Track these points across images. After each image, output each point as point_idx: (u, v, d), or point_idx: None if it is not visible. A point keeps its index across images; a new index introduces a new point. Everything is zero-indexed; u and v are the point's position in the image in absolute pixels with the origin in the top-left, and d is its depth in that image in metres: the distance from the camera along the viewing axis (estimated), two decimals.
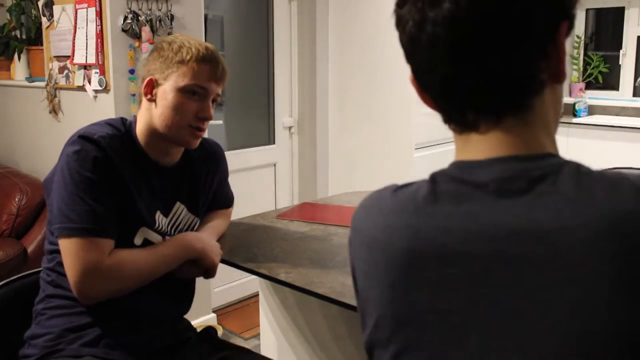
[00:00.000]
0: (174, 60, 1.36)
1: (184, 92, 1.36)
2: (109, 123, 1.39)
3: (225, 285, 3.23)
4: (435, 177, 0.68)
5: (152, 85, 1.39)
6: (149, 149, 1.41)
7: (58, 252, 1.32)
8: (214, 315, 3.02)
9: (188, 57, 1.35)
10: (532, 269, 0.58)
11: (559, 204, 0.59)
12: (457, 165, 0.67)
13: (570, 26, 0.66)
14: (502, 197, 0.61)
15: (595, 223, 0.57)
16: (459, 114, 0.67)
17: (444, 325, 0.63)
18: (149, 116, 1.40)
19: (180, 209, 1.49)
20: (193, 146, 1.43)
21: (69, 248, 1.28)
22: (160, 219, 1.44)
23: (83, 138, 1.30)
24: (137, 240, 1.38)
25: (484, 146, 0.66)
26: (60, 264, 1.32)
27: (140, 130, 1.41)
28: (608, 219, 0.57)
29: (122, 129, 1.39)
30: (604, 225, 0.56)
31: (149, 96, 1.39)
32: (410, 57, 0.69)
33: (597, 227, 0.56)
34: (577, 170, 0.62)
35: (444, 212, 0.64)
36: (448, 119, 0.69)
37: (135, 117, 1.44)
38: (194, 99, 1.37)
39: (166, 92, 1.37)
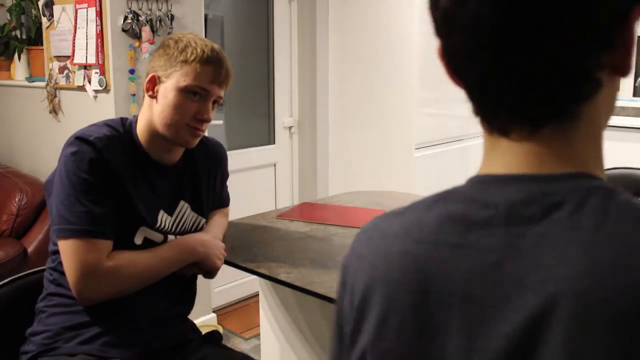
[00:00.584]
0: (178, 59, 1.35)
1: (184, 92, 1.35)
2: (107, 124, 1.38)
3: (226, 285, 3.23)
4: (446, 196, 0.59)
5: (154, 82, 1.39)
6: (150, 148, 1.41)
7: (59, 252, 1.32)
8: (214, 315, 3.02)
9: (192, 57, 1.35)
10: (528, 321, 0.48)
11: (571, 245, 0.48)
12: (473, 181, 0.57)
13: None
14: (510, 225, 0.52)
15: (603, 276, 0.46)
16: (492, 112, 0.56)
17: None
18: (150, 113, 1.40)
19: (184, 207, 1.49)
20: (191, 145, 1.42)
21: (67, 250, 1.28)
22: (165, 218, 1.43)
23: (79, 139, 1.31)
24: (137, 240, 1.38)
25: (510, 157, 0.55)
26: (62, 264, 1.32)
27: (141, 128, 1.41)
28: (624, 289, 0.45)
29: (121, 129, 1.39)
30: (613, 295, 0.45)
31: (150, 92, 1.39)
32: (443, 36, 0.57)
33: (605, 283, 0.46)
34: (609, 199, 0.50)
35: (450, 241, 0.55)
36: (478, 112, 0.58)
37: (136, 116, 1.44)
38: (194, 100, 1.36)
39: (167, 90, 1.36)
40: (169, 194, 1.45)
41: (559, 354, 0.46)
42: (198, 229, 1.54)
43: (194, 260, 1.44)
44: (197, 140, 1.43)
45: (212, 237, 1.51)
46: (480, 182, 0.57)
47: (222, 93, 1.41)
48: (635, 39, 0.54)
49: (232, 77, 1.42)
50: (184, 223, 1.49)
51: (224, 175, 1.64)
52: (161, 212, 1.43)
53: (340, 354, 0.66)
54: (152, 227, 1.40)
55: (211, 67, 1.36)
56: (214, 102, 1.41)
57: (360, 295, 0.60)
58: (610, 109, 0.58)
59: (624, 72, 0.54)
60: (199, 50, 1.35)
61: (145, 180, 1.40)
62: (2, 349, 1.41)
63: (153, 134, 1.40)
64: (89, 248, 1.27)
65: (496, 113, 0.56)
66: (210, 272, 1.48)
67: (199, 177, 1.53)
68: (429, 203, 0.59)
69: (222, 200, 1.67)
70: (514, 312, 0.49)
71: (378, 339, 0.58)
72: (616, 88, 0.57)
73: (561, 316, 0.47)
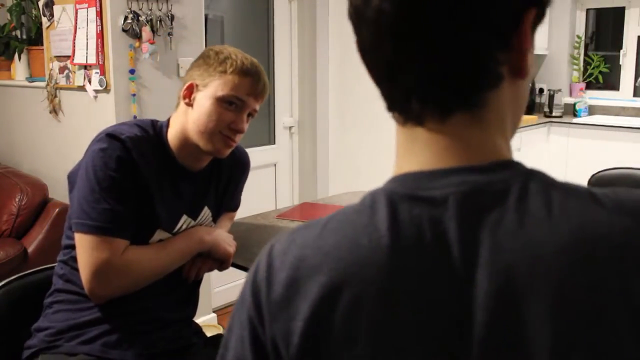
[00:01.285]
0: (218, 69, 1.36)
1: (221, 101, 1.36)
2: (137, 124, 1.39)
3: (226, 285, 3.24)
4: (374, 199, 0.57)
5: (191, 90, 1.39)
6: (180, 153, 1.41)
7: (74, 247, 1.33)
8: (214, 315, 3.02)
9: (231, 69, 1.36)
10: (510, 307, 0.51)
11: (526, 225, 0.51)
12: (404, 179, 0.57)
13: (540, 15, 0.57)
14: (465, 216, 0.53)
15: (570, 248, 0.50)
16: (404, 101, 0.58)
17: None
18: (184, 120, 1.40)
19: (207, 214, 1.49)
20: (223, 155, 1.42)
21: (83, 244, 1.29)
22: (188, 223, 1.44)
23: (110, 136, 1.31)
24: (153, 242, 1.39)
25: (431, 149, 0.57)
26: (74, 258, 1.33)
27: (173, 133, 1.41)
28: (583, 242, 0.50)
29: (151, 131, 1.39)
30: (579, 250, 0.50)
31: (187, 100, 1.39)
32: (356, 31, 0.59)
33: (573, 253, 0.50)
34: (544, 181, 0.54)
35: (407, 243, 0.54)
36: (392, 106, 0.61)
37: (167, 120, 1.44)
38: (230, 110, 1.37)
39: (204, 98, 1.37)
40: (193, 199, 1.46)
41: (521, 326, 0.50)
42: None
43: (203, 249, 1.44)
44: (229, 150, 1.42)
45: (217, 229, 1.52)
46: (412, 179, 0.56)
47: (257, 106, 1.42)
48: (532, 42, 0.57)
49: (267, 90, 1.43)
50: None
51: (244, 182, 1.64)
52: (184, 217, 1.43)
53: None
54: (170, 231, 1.40)
55: (249, 79, 1.37)
56: (249, 114, 1.41)
57: (314, 312, 0.56)
58: (516, 110, 0.60)
59: (521, 74, 0.57)
60: (238, 62, 1.37)
61: (171, 184, 1.40)
62: (9, 342, 1.42)
63: (185, 141, 1.40)
64: (105, 246, 1.28)
65: (408, 102, 0.58)
66: (224, 262, 1.47)
67: (224, 183, 1.53)
68: (360, 209, 0.57)
69: (233, 204, 1.67)
70: (485, 302, 0.51)
71: (349, 352, 0.55)
72: (520, 90, 0.59)
73: (542, 293, 0.50)
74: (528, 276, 0.51)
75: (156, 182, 1.35)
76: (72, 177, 1.38)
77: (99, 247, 1.28)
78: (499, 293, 0.51)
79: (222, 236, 1.47)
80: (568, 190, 0.54)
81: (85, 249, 1.29)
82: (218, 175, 1.52)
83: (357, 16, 0.58)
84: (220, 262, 1.48)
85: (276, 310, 0.58)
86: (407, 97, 0.57)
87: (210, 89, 1.36)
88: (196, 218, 1.46)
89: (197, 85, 1.38)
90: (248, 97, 1.38)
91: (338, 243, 0.56)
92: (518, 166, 0.56)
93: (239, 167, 1.58)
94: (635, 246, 0.50)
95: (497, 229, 0.52)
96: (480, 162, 0.55)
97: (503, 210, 0.52)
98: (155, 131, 1.40)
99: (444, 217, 0.53)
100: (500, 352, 0.51)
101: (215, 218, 1.53)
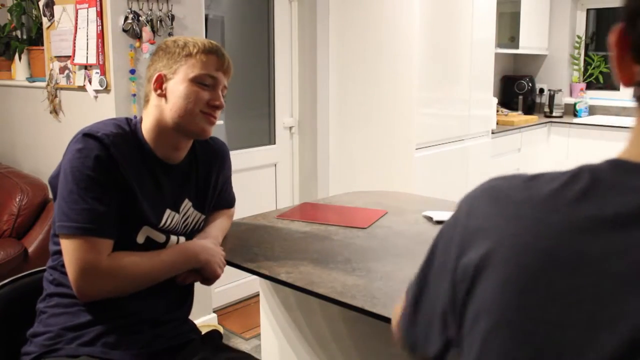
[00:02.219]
0: (182, 55, 1.40)
1: (194, 81, 1.39)
2: (113, 122, 1.40)
3: (226, 285, 3.24)
4: (581, 172, 0.59)
5: (161, 81, 1.41)
6: (157, 146, 1.42)
7: (61, 252, 1.33)
8: (214, 315, 3.02)
9: (195, 50, 1.39)
10: None
11: None
12: (615, 164, 0.58)
13: None
14: None
15: None
16: None
17: (565, 342, 0.55)
18: (158, 112, 1.41)
19: (187, 205, 1.50)
20: (207, 134, 1.44)
21: (67, 247, 1.29)
22: (172, 217, 1.45)
23: (87, 136, 1.31)
24: (140, 239, 1.38)
25: None
26: (63, 264, 1.33)
27: (147, 127, 1.42)
28: None
29: (127, 128, 1.40)
30: None
31: (159, 91, 1.41)
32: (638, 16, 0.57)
33: None
34: None
35: (590, 214, 0.56)
36: None
37: (137, 117, 1.45)
38: (205, 89, 1.40)
39: (177, 84, 1.39)
40: (174, 192, 1.46)
41: None
42: (199, 225, 1.54)
43: (196, 266, 1.45)
44: (212, 128, 1.45)
45: (214, 243, 1.51)
46: (622, 168, 0.57)
47: (226, 82, 1.46)
48: None
49: (232, 66, 1.47)
50: (187, 221, 1.50)
51: (227, 174, 1.65)
52: (167, 211, 1.43)
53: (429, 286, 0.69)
54: (155, 226, 1.40)
55: (214, 56, 1.41)
56: (221, 90, 1.44)
57: (481, 253, 0.61)
58: None
59: None
60: (199, 43, 1.41)
61: (151, 178, 1.40)
62: (3, 349, 1.41)
63: (161, 132, 1.41)
64: (89, 247, 1.28)
65: None
66: (209, 280, 1.48)
67: (202, 175, 1.54)
68: (562, 177, 0.60)
69: (227, 201, 1.67)
70: None
71: (500, 300, 0.58)
72: None
73: None
74: None
75: (137, 178, 1.36)
76: (53, 182, 1.38)
77: (82, 248, 1.27)
78: None
79: (216, 258, 1.47)
80: None
81: (70, 252, 1.28)
82: (196, 167, 1.53)
83: None
84: (207, 279, 1.48)
85: (472, 237, 0.64)
86: None
87: (181, 74, 1.39)
88: (179, 211, 1.47)
89: (165, 75, 1.41)
90: (217, 73, 1.42)
91: (526, 198, 0.60)
92: None
93: (217, 158, 1.59)
94: None
95: None
96: None
97: None
98: (130, 127, 1.41)
99: (629, 206, 0.54)
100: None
101: (200, 209, 1.53)
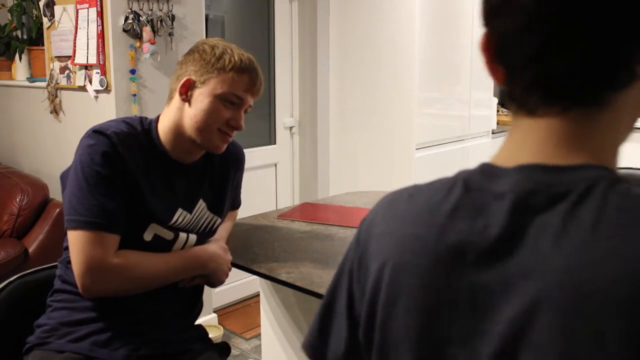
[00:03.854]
0: (215, 66, 1.36)
1: (220, 99, 1.36)
2: (125, 121, 1.40)
3: (226, 285, 3.23)
4: (455, 182, 0.60)
5: (188, 86, 1.38)
6: (172, 147, 1.41)
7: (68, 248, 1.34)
8: (214, 315, 3.02)
9: (230, 66, 1.36)
10: (527, 309, 0.51)
11: (570, 236, 0.50)
12: (484, 170, 0.59)
13: None
14: (516, 214, 0.54)
15: (597, 268, 0.48)
16: (527, 90, 0.57)
17: (445, 355, 0.57)
18: (179, 115, 1.40)
19: (202, 206, 1.49)
20: (219, 151, 1.43)
21: (75, 241, 1.29)
22: (183, 216, 1.44)
23: (96, 132, 1.32)
24: (147, 236, 1.38)
25: (526, 139, 0.57)
26: (69, 259, 1.33)
27: (164, 128, 1.41)
28: (619, 279, 0.47)
29: (139, 127, 1.40)
30: (609, 285, 0.47)
31: (184, 96, 1.39)
32: (499, 17, 0.57)
33: (598, 274, 0.48)
34: (609, 190, 0.51)
35: (460, 227, 0.57)
36: (512, 95, 0.59)
37: (157, 116, 1.44)
38: (229, 107, 1.38)
39: (202, 95, 1.37)
40: (187, 192, 1.46)
41: (553, 339, 0.49)
42: (213, 228, 1.54)
43: (202, 273, 1.45)
44: (225, 146, 1.44)
45: (223, 249, 1.51)
46: (490, 173, 0.58)
47: (252, 102, 1.43)
48: None
49: (263, 86, 1.44)
50: (199, 221, 1.49)
51: (241, 176, 1.64)
52: (179, 210, 1.43)
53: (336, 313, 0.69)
54: (164, 224, 1.40)
55: (247, 76, 1.38)
56: (245, 110, 1.42)
57: (375, 275, 0.63)
58: (637, 113, 0.58)
59: None
60: (236, 58, 1.37)
61: (163, 178, 1.40)
62: (14, 339, 1.42)
63: (178, 135, 1.40)
64: (96, 241, 1.28)
65: (530, 92, 0.56)
66: (214, 284, 1.49)
67: (218, 177, 1.53)
68: (440, 187, 0.61)
69: (236, 203, 1.67)
70: (517, 298, 0.52)
71: (388, 317, 0.61)
72: None
73: (557, 304, 0.49)
74: (553, 285, 0.50)
75: (146, 177, 1.35)
76: (64, 178, 1.39)
77: (89, 242, 1.27)
78: (522, 300, 0.51)
79: (223, 265, 1.48)
80: (629, 206, 0.50)
81: (76, 245, 1.29)
82: (211, 168, 1.52)
83: (506, 2, 0.57)
84: (212, 284, 1.49)
85: (367, 260, 0.66)
86: (533, 88, 0.56)
87: (209, 87, 1.36)
88: (192, 211, 1.47)
89: (194, 82, 1.38)
90: (246, 94, 1.39)
91: (410, 215, 0.62)
92: (595, 170, 0.53)
93: (234, 162, 1.58)
94: None
95: (541, 233, 0.52)
96: (562, 161, 0.55)
97: (554, 214, 0.52)
98: (143, 127, 1.41)
99: (499, 211, 0.55)
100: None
101: (215, 211, 1.53)
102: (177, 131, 1.40)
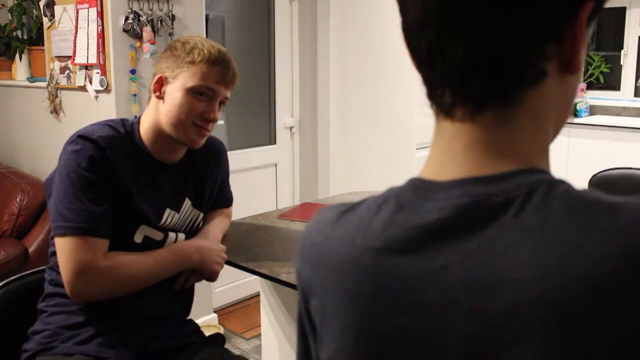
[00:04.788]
0: (185, 60, 1.37)
1: (191, 92, 1.37)
2: (108, 124, 1.39)
3: (226, 285, 3.23)
4: (387, 199, 0.57)
5: (161, 83, 1.40)
6: (154, 147, 1.42)
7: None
8: (214, 315, 3.02)
9: (199, 58, 1.36)
10: (485, 326, 0.48)
11: (519, 248, 0.48)
12: (414, 185, 0.56)
13: (596, 9, 0.53)
14: (457, 230, 0.51)
15: (554, 276, 0.46)
16: (439, 90, 0.55)
17: None
18: (156, 113, 1.41)
19: (187, 204, 1.50)
20: (197, 145, 1.43)
21: (63, 247, 1.29)
22: (172, 216, 1.45)
23: (81, 138, 1.32)
24: (137, 238, 1.39)
25: (452, 146, 0.55)
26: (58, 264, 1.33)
27: (145, 128, 1.42)
28: (574, 285, 0.45)
29: (122, 129, 1.40)
30: (560, 281, 0.45)
31: (157, 93, 1.40)
32: (402, 12, 0.57)
33: (555, 283, 0.46)
34: (549, 193, 0.49)
35: (395, 248, 0.54)
36: (429, 95, 0.57)
37: (136, 116, 1.45)
38: (201, 100, 1.38)
39: (174, 90, 1.38)
40: (174, 191, 1.47)
41: (519, 357, 0.47)
42: (197, 223, 1.54)
43: (190, 266, 1.45)
44: (204, 140, 1.44)
45: (210, 241, 1.51)
46: (422, 188, 0.55)
47: (228, 94, 1.43)
48: (586, 36, 0.53)
49: (238, 78, 1.44)
50: (186, 220, 1.51)
51: (225, 172, 1.65)
52: (167, 210, 1.44)
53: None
54: (154, 225, 1.40)
55: (218, 67, 1.38)
56: (221, 103, 1.42)
57: (319, 305, 0.60)
58: (563, 107, 0.57)
59: (573, 70, 0.53)
60: (205, 51, 1.37)
61: (149, 179, 1.41)
62: (6, 346, 1.42)
63: (158, 134, 1.41)
64: (85, 246, 1.27)
65: (442, 92, 0.55)
66: (210, 278, 1.49)
67: (200, 173, 1.54)
68: (371, 206, 0.58)
69: (224, 200, 1.67)
70: (469, 316, 0.49)
71: (339, 348, 0.58)
72: (569, 86, 0.56)
73: (519, 320, 0.47)
74: (510, 298, 0.48)
75: (133, 179, 1.36)
76: (48, 184, 1.38)
77: (78, 248, 1.27)
78: (478, 309, 0.49)
79: (211, 256, 1.47)
80: (573, 206, 0.48)
81: (65, 252, 1.28)
82: (194, 166, 1.52)
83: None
84: (208, 277, 1.49)
85: (305, 286, 0.63)
86: (442, 86, 0.54)
87: (180, 81, 1.37)
88: (179, 210, 1.47)
89: (166, 78, 1.39)
90: (218, 85, 1.39)
91: (341, 239, 0.59)
92: (533, 174, 0.51)
93: (213, 157, 1.58)
94: (621, 296, 0.44)
95: (486, 247, 0.49)
96: (496, 169, 0.52)
97: (496, 227, 0.49)
98: (126, 129, 1.41)
99: (438, 228, 0.52)
100: None
101: (198, 207, 1.53)
102: (156, 129, 1.41)
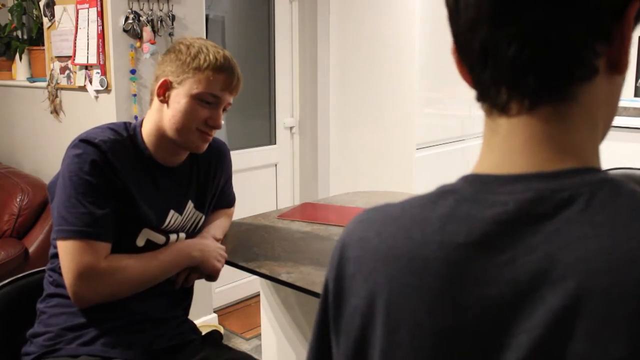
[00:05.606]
0: (191, 66, 1.36)
1: (196, 99, 1.36)
2: (110, 127, 1.39)
3: (227, 285, 3.24)
4: (443, 195, 0.58)
5: (166, 87, 1.39)
6: (157, 151, 1.42)
7: (58, 256, 1.33)
8: (214, 315, 3.02)
9: (205, 65, 1.35)
10: (549, 319, 0.48)
11: (586, 241, 0.48)
12: (474, 180, 0.57)
13: None
14: (521, 223, 0.52)
15: (621, 270, 0.46)
16: (493, 88, 0.56)
17: None
18: (159, 117, 1.40)
19: (190, 207, 1.50)
20: (200, 150, 1.44)
21: (65, 250, 1.29)
22: (175, 218, 1.45)
23: (84, 142, 1.32)
24: (140, 242, 1.39)
25: (509, 143, 0.56)
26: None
27: (148, 131, 1.42)
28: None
29: (125, 133, 1.40)
30: (628, 276, 0.46)
31: (161, 97, 1.40)
32: (452, 16, 0.59)
33: (623, 277, 0.46)
34: (616, 192, 0.50)
35: (459, 241, 0.54)
36: (481, 95, 0.58)
37: (137, 119, 1.45)
38: (206, 107, 1.38)
39: (179, 96, 1.37)
40: (177, 194, 1.47)
41: (585, 349, 0.47)
42: (198, 224, 1.54)
43: (191, 264, 1.45)
44: (206, 145, 1.44)
45: (209, 239, 1.52)
46: (481, 182, 0.56)
47: (231, 100, 1.43)
48: (632, 37, 0.54)
49: (242, 83, 1.43)
50: (189, 222, 1.51)
51: (228, 173, 1.65)
52: (171, 212, 1.44)
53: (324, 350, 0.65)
54: (156, 228, 1.41)
55: (223, 75, 1.37)
56: (224, 108, 1.42)
57: (364, 302, 0.59)
58: (611, 108, 0.58)
59: (620, 69, 0.55)
60: (211, 57, 1.36)
61: (151, 182, 1.41)
62: (3, 349, 1.41)
63: (161, 138, 1.41)
64: (87, 249, 1.28)
65: (497, 89, 0.56)
66: (211, 276, 1.49)
67: (203, 175, 1.54)
68: (423, 202, 0.58)
69: (226, 200, 1.67)
70: (534, 309, 0.49)
71: (390, 346, 0.57)
72: (616, 86, 0.57)
73: (588, 312, 0.47)
74: (577, 290, 0.48)
75: (135, 183, 1.36)
76: (51, 188, 1.38)
77: (80, 251, 1.27)
78: (543, 299, 0.49)
79: (212, 253, 1.47)
80: (638, 199, 0.49)
81: (67, 255, 1.28)
82: (197, 168, 1.53)
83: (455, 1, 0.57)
84: (209, 275, 1.49)
85: (343, 286, 0.62)
86: (496, 85, 0.55)
87: (185, 87, 1.36)
88: (182, 212, 1.48)
89: (171, 82, 1.38)
90: (223, 92, 1.39)
91: (394, 233, 0.58)
92: (595, 173, 0.52)
93: (216, 158, 1.58)
94: None
95: (552, 240, 0.50)
96: (555, 165, 0.53)
97: (563, 219, 0.50)
98: (128, 132, 1.41)
99: (501, 221, 0.52)
100: None
101: (200, 209, 1.53)
102: (159, 133, 1.41)
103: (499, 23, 0.53)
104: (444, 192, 0.58)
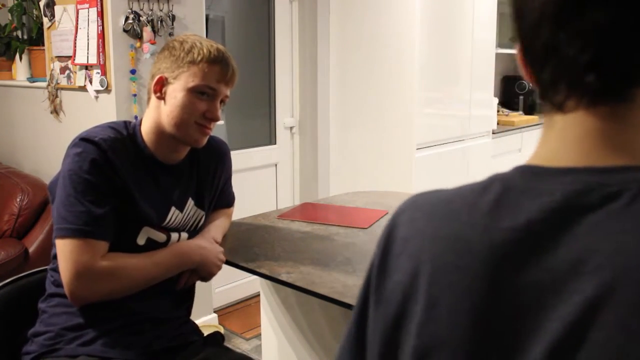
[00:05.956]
0: (185, 60, 1.37)
1: (193, 92, 1.37)
2: (110, 126, 1.40)
3: (227, 285, 3.24)
4: (493, 182, 0.59)
5: (162, 84, 1.40)
6: (156, 148, 1.42)
7: None
8: (214, 315, 3.02)
9: (199, 58, 1.37)
10: (584, 308, 0.50)
11: (627, 234, 0.49)
12: (525, 170, 0.58)
13: None
14: (566, 212, 0.53)
15: None
16: (554, 86, 0.57)
17: (495, 354, 0.55)
18: (157, 114, 1.41)
19: (191, 204, 1.51)
20: (200, 144, 1.44)
21: (63, 249, 1.29)
22: (176, 215, 1.45)
23: (84, 140, 1.32)
24: (140, 240, 1.39)
25: (564, 138, 0.57)
26: None
27: (147, 129, 1.42)
28: None
29: (124, 132, 1.40)
30: None
31: (158, 94, 1.41)
32: (519, 17, 0.59)
33: None
34: None
35: (503, 226, 0.55)
36: (543, 93, 0.59)
37: (137, 118, 1.45)
38: (203, 99, 1.38)
39: (176, 91, 1.38)
40: (178, 192, 1.47)
41: (615, 338, 0.48)
42: (199, 223, 1.54)
43: (191, 267, 1.45)
44: (206, 139, 1.45)
45: (210, 242, 1.52)
46: (532, 173, 0.58)
47: (228, 92, 1.44)
48: None
49: (237, 75, 1.45)
50: (190, 219, 1.51)
51: (228, 172, 1.65)
52: (172, 209, 1.44)
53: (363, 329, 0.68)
54: (157, 226, 1.41)
55: (218, 66, 1.39)
56: (221, 101, 1.43)
57: (407, 277, 0.61)
58: None
59: None
60: (205, 50, 1.38)
61: (152, 180, 1.41)
62: (4, 349, 1.41)
63: (160, 135, 1.41)
64: (85, 248, 1.28)
65: (557, 89, 0.57)
66: (205, 278, 1.49)
67: (203, 173, 1.54)
68: (474, 188, 0.60)
69: (226, 200, 1.68)
70: (570, 296, 0.51)
71: (427, 321, 0.59)
72: None
73: (619, 302, 0.48)
74: (612, 281, 0.49)
75: (136, 181, 1.36)
76: (52, 188, 1.39)
77: (77, 249, 1.27)
78: (578, 290, 0.51)
79: (212, 258, 1.48)
80: None
81: (65, 253, 1.28)
82: (197, 165, 1.53)
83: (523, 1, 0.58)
84: (204, 277, 1.50)
85: (393, 261, 0.64)
86: (556, 83, 0.57)
87: (181, 81, 1.38)
88: (183, 210, 1.48)
89: (166, 78, 1.39)
90: (219, 84, 1.39)
91: (442, 216, 0.61)
92: None
93: (217, 157, 1.59)
94: None
95: (593, 230, 0.51)
96: (607, 162, 0.54)
97: (607, 212, 0.51)
98: (128, 131, 1.41)
99: (546, 209, 0.54)
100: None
101: (200, 206, 1.54)
102: (158, 130, 1.41)
103: (563, 22, 0.54)
104: (495, 180, 0.59)
